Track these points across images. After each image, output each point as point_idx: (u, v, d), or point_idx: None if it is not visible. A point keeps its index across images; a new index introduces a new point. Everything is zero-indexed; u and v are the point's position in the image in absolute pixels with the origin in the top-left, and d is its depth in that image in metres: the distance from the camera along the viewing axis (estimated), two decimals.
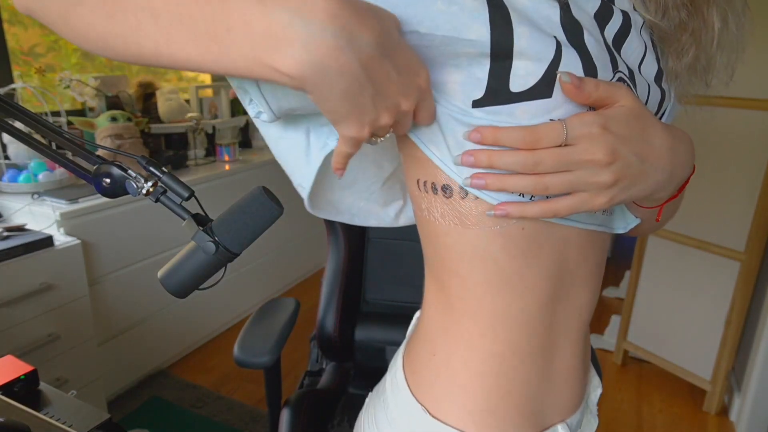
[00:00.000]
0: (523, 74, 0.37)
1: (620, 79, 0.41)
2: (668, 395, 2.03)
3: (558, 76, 0.37)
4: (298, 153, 0.49)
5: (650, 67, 0.44)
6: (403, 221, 0.62)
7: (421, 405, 0.47)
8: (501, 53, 0.37)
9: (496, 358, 0.45)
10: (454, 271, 0.45)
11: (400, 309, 1.32)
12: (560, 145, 0.37)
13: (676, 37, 0.43)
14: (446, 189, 0.43)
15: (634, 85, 0.43)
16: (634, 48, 0.42)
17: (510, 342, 0.45)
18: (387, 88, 0.35)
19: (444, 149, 0.41)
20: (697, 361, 1.94)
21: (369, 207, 0.60)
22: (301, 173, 0.50)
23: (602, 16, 0.40)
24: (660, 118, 0.47)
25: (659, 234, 1.97)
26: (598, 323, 2.51)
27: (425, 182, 0.44)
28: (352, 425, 1.14)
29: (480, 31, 0.36)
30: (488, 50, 0.37)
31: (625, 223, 0.51)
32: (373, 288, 1.35)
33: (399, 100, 0.36)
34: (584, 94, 0.37)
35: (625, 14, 0.41)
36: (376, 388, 0.57)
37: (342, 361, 1.31)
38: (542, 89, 0.37)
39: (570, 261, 0.46)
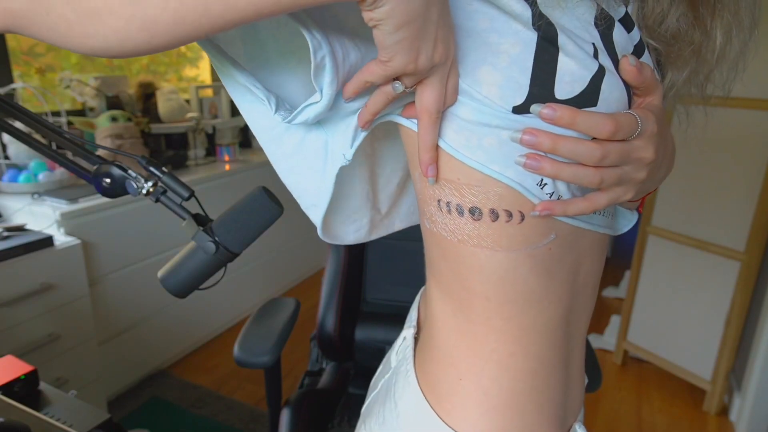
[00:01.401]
0: (569, 80, 0.36)
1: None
2: (668, 395, 2.03)
3: (621, 57, 0.38)
4: (314, 169, 0.47)
5: None
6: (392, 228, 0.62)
7: None
8: (546, 38, 0.36)
9: (528, 374, 0.45)
10: (479, 293, 0.44)
11: (400, 309, 1.32)
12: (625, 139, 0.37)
13: (677, 48, 0.43)
14: (474, 211, 0.41)
15: None
16: None
17: (539, 356, 0.45)
18: (446, 14, 0.34)
19: (479, 153, 0.39)
20: (697, 361, 1.94)
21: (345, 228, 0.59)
22: (316, 191, 0.48)
23: (626, 24, 0.40)
24: None
25: (659, 234, 1.97)
26: (598, 323, 2.51)
27: (448, 203, 0.42)
28: (352, 425, 1.14)
29: (523, 14, 0.35)
30: (533, 31, 0.36)
31: (627, 221, 0.52)
32: (373, 288, 1.35)
33: (450, 37, 0.35)
34: (642, 77, 0.38)
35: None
36: (375, 421, 0.53)
37: (342, 361, 1.31)
38: (588, 97, 0.36)
39: (583, 272, 0.46)
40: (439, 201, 0.43)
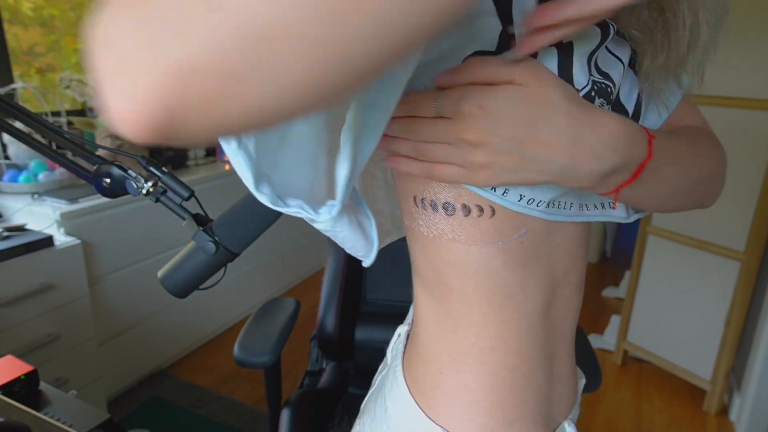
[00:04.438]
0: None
1: (594, 83, 0.39)
2: (668, 395, 2.03)
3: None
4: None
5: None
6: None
7: (441, 426, 0.46)
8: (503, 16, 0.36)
9: (507, 369, 0.45)
10: (456, 288, 0.45)
11: (400, 309, 1.32)
12: (437, 116, 0.37)
13: (649, 35, 0.43)
14: (447, 206, 0.42)
15: (616, 96, 0.42)
16: (609, 59, 0.41)
17: (518, 351, 0.45)
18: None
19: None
20: (697, 361, 1.94)
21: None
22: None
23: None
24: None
25: (659, 234, 1.97)
26: (598, 323, 2.51)
27: (423, 199, 0.44)
28: (351, 425, 1.14)
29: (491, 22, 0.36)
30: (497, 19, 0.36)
31: (626, 214, 0.51)
32: (373, 288, 1.35)
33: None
34: (454, 81, 0.36)
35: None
36: (368, 416, 0.54)
37: (342, 361, 1.31)
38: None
39: (561, 267, 0.47)
40: (414, 197, 0.44)
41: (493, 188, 0.40)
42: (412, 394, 0.48)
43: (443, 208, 0.42)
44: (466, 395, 0.45)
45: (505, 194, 0.41)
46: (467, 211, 0.42)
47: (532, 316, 0.45)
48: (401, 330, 0.59)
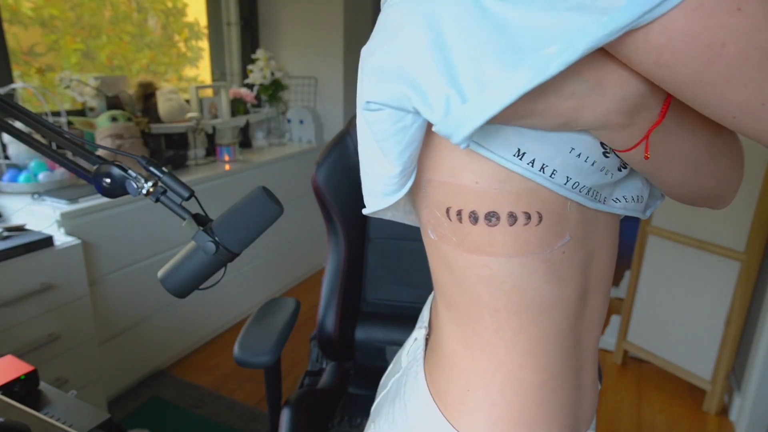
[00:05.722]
0: None
1: None
2: (668, 395, 2.03)
3: None
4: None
5: None
6: None
7: None
8: None
9: (538, 386, 0.44)
10: (487, 303, 0.43)
11: (400, 309, 1.32)
12: None
13: None
14: (490, 216, 0.39)
15: None
16: None
17: (548, 367, 0.44)
18: None
19: (508, 153, 0.38)
20: (697, 361, 1.94)
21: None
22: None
23: None
24: None
25: (659, 234, 1.97)
26: None
27: (460, 211, 0.40)
28: (352, 425, 1.14)
29: None
30: None
31: (643, 208, 0.49)
32: (373, 288, 1.35)
33: None
34: None
35: None
36: (385, 420, 0.53)
37: (342, 361, 1.31)
38: None
39: (594, 276, 0.45)
40: (448, 209, 0.41)
41: (541, 169, 0.38)
42: (437, 404, 0.47)
43: (485, 219, 0.40)
44: (494, 412, 0.44)
45: (553, 176, 0.38)
46: (513, 219, 0.39)
47: (563, 329, 0.44)
48: (417, 334, 0.57)
